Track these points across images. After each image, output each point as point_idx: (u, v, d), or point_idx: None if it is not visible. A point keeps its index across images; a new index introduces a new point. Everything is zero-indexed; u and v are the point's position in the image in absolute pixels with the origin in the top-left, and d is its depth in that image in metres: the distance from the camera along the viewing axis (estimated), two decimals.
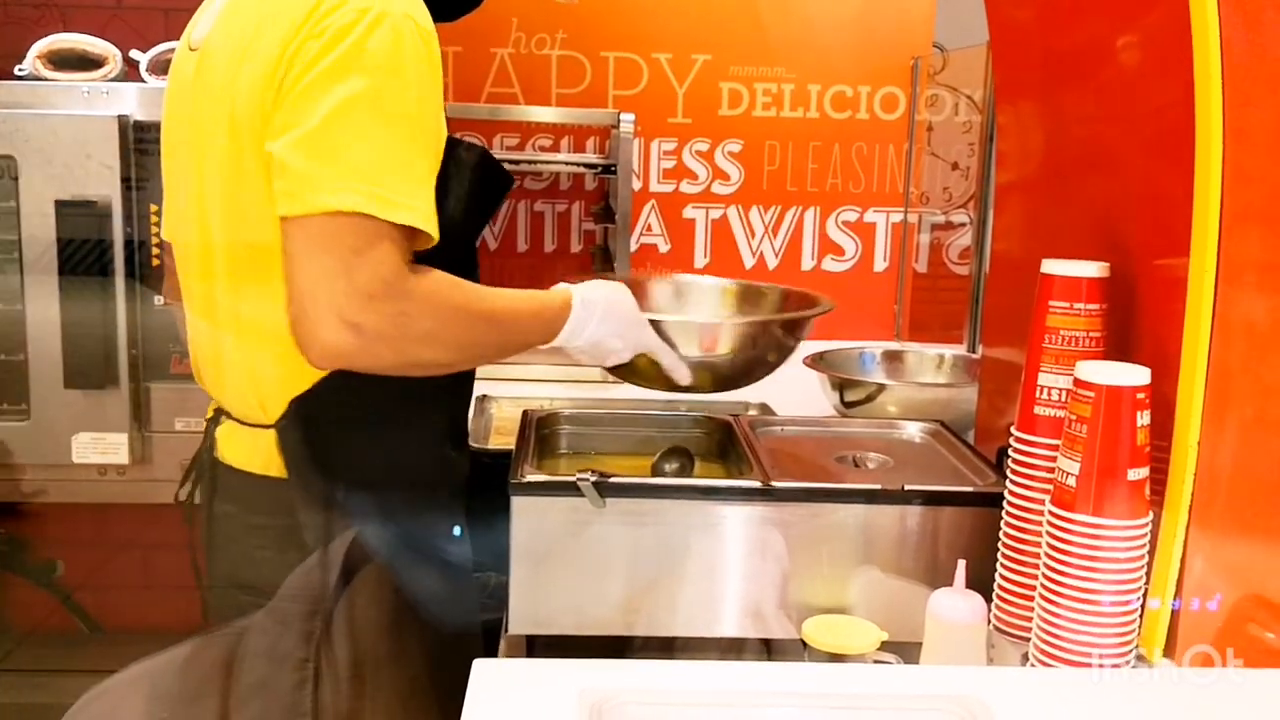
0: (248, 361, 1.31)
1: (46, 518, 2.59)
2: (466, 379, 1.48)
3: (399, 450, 1.36)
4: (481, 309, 1.29)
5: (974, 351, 2.35)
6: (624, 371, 1.53)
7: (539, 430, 1.61)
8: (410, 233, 1.20)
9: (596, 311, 1.40)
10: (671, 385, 1.52)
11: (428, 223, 1.21)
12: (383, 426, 1.33)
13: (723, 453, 1.63)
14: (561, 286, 1.42)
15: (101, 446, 2.15)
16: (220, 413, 1.39)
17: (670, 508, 1.35)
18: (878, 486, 1.38)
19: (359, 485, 1.32)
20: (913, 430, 1.68)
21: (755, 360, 1.57)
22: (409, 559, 1.35)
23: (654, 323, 1.48)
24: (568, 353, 1.43)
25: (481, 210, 1.40)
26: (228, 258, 1.30)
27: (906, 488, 1.37)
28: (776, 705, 1.02)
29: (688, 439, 1.65)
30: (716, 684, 1.05)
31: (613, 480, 1.33)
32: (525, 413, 1.66)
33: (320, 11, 1.17)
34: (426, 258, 1.25)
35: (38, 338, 2.14)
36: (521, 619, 1.35)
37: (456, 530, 1.42)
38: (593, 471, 1.32)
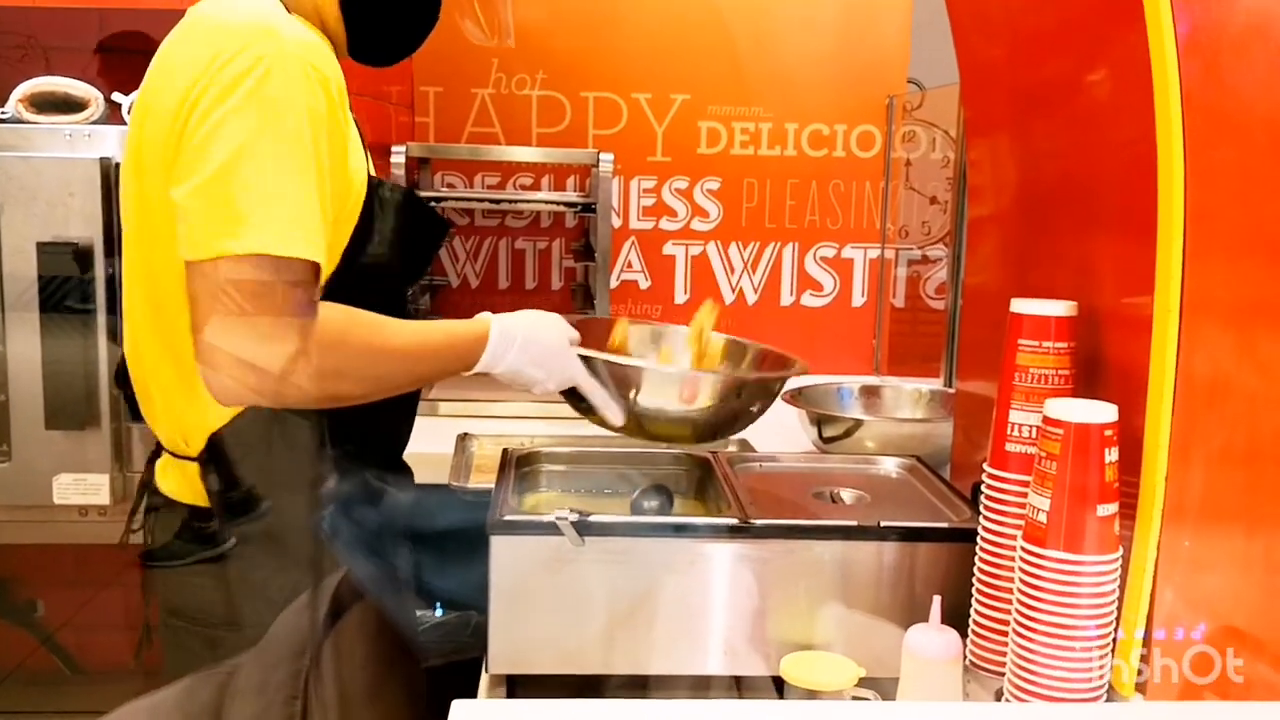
0: (168, 397, 1.36)
1: (27, 558, 2.57)
2: (397, 408, 1.47)
3: (318, 482, 1.38)
4: (387, 343, 1.32)
5: (950, 386, 2.36)
6: (582, 409, 1.54)
7: (519, 468, 1.62)
8: (313, 271, 1.23)
9: (515, 341, 1.42)
10: (607, 425, 1.53)
11: (322, 258, 1.24)
12: (301, 459, 1.36)
13: (702, 490, 1.64)
14: (483, 315, 1.44)
15: (83, 487, 2.15)
16: (159, 445, 1.44)
17: (649, 546, 1.35)
18: (854, 523, 1.39)
19: (280, 516, 1.34)
20: (889, 465, 1.70)
21: (701, 416, 1.52)
22: (340, 591, 1.38)
23: (586, 360, 1.48)
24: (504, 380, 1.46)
25: (410, 253, 1.44)
26: (145, 299, 1.35)
27: (883, 524, 1.38)
28: None
29: (667, 476, 1.66)
30: None
31: (592, 519, 1.34)
32: (505, 451, 1.67)
33: (219, 62, 1.21)
34: (352, 300, 1.29)
35: (18, 378, 2.14)
36: (501, 658, 1.35)
37: (389, 559, 1.44)
38: (572, 510, 1.33)
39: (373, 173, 1.43)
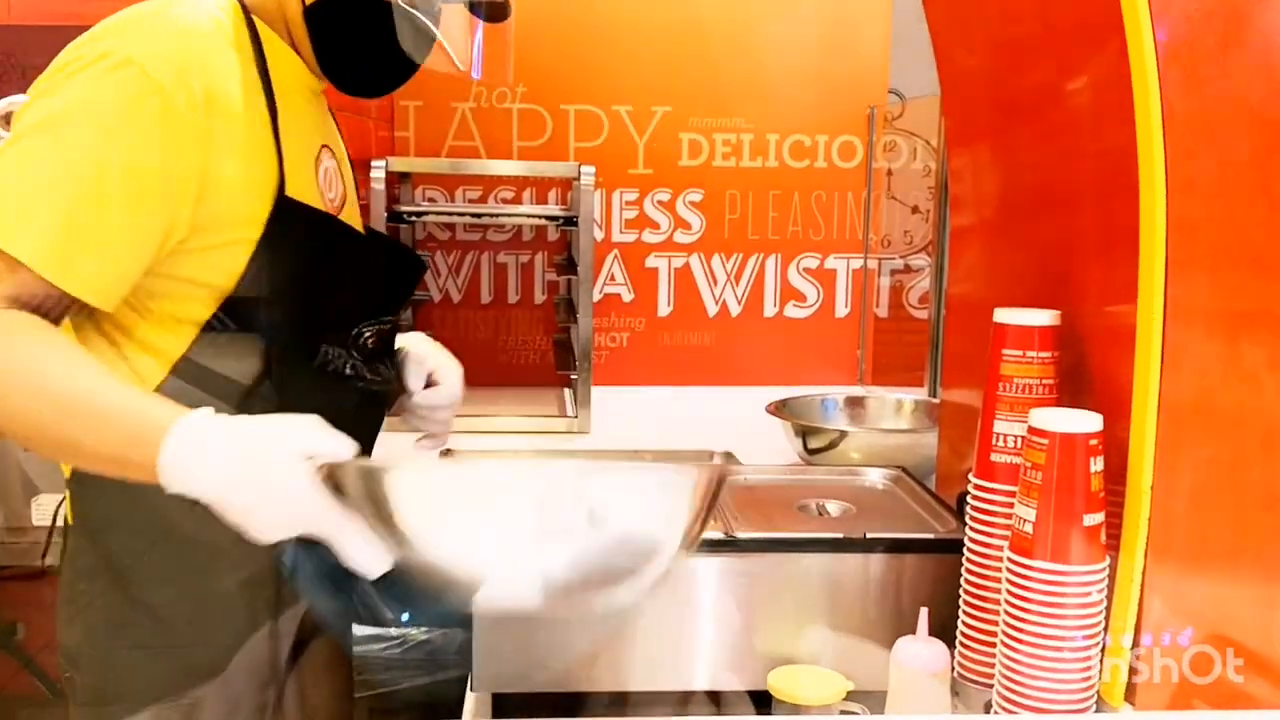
0: None
1: (7, 581, 2.55)
2: (352, 422, 1.16)
3: (158, 513, 1.14)
4: (42, 376, 1.03)
5: (935, 396, 2.36)
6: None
7: None
8: (41, 286, 1.07)
9: (211, 454, 0.98)
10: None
11: (50, 268, 1.06)
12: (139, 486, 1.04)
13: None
14: (181, 413, 1.00)
15: (62, 509, 2.14)
16: None
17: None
18: (840, 535, 1.39)
19: (124, 540, 1.21)
20: (875, 477, 1.69)
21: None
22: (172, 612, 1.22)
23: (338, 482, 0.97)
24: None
25: (348, 287, 1.28)
26: None
27: (868, 535, 1.38)
28: None
29: None
30: None
31: None
32: None
33: (64, 52, 1.12)
34: (267, 332, 1.18)
35: None
36: (486, 677, 1.34)
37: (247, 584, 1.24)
38: None
39: (338, 195, 1.33)
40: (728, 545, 1.36)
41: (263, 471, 0.96)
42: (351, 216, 1.38)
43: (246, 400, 1.18)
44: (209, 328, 1.17)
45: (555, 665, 1.35)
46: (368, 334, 1.30)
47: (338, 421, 1.01)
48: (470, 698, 1.37)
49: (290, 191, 1.20)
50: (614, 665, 1.35)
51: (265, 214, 1.17)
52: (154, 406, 1.02)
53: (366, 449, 1.31)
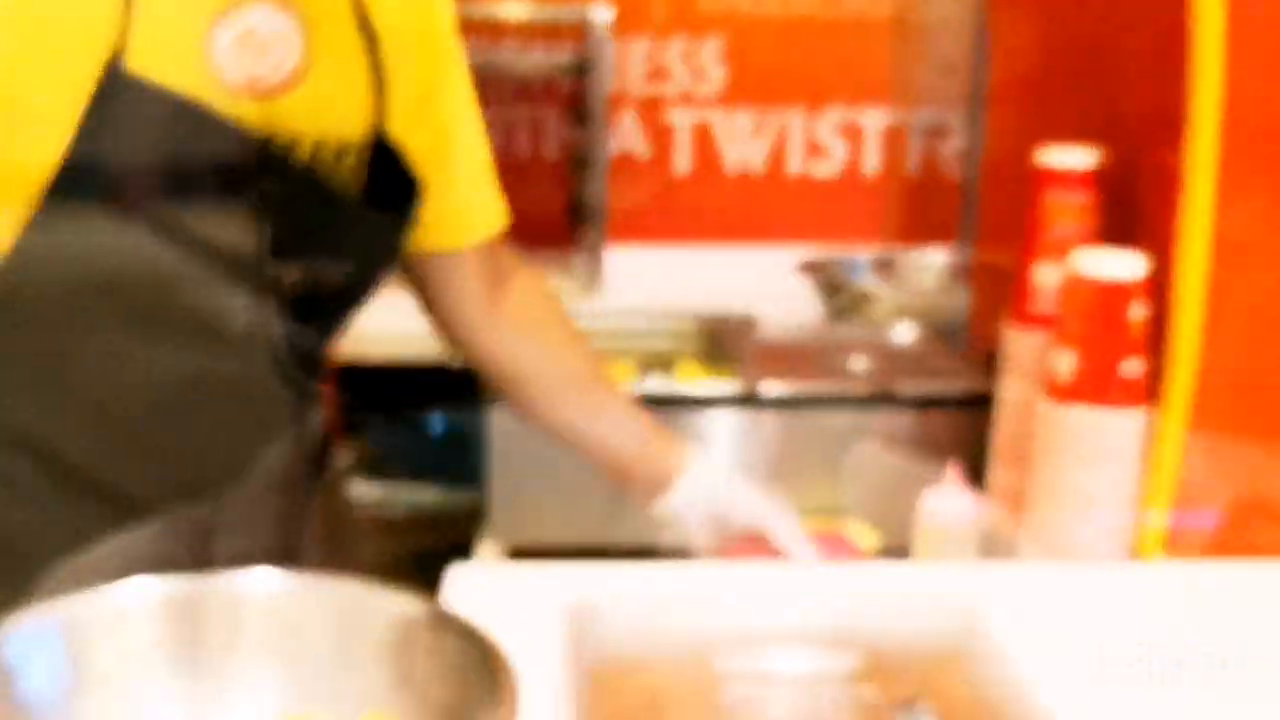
0: None
1: None
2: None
3: None
4: None
5: (965, 255, 2.30)
6: None
7: None
8: None
9: None
10: None
11: None
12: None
13: (710, 360, 1.59)
14: None
15: None
16: None
17: (656, 415, 1.31)
18: (869, 390, 1.35)
19: None
20: (903, 335, 1.65)
21: None
22: None
23: None
24: None
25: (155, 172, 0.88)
26: None
27: (897, 391, 1.34)
28: (769, 604, 0.99)
29: (673, 347, 1.62)
30: (702, 585, 1.02)
31: None
32: None
33: None
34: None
35: None
36: (502, 530, 1.32)
37: None
38: None
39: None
40: (753, 401, 1.32)
41: None
42: (313, 99, 0.93)
43: None
44: None
45: (573, 520, 1.33)
46: None
47: None
48: (483, 548, 1.34)
49: (133, 64, 0.84)
50: (631, 521, 1.33)
51: (83, 81, 0.82)
52: None
53: None
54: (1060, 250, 1.14)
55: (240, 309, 0.90)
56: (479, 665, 0.62)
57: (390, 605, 0.69)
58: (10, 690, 0.63)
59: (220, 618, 0.69)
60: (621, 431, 1.11)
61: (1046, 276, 1.16)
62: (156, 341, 0.88)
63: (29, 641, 0.64)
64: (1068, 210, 1.15)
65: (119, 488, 0.90)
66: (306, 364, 0.98)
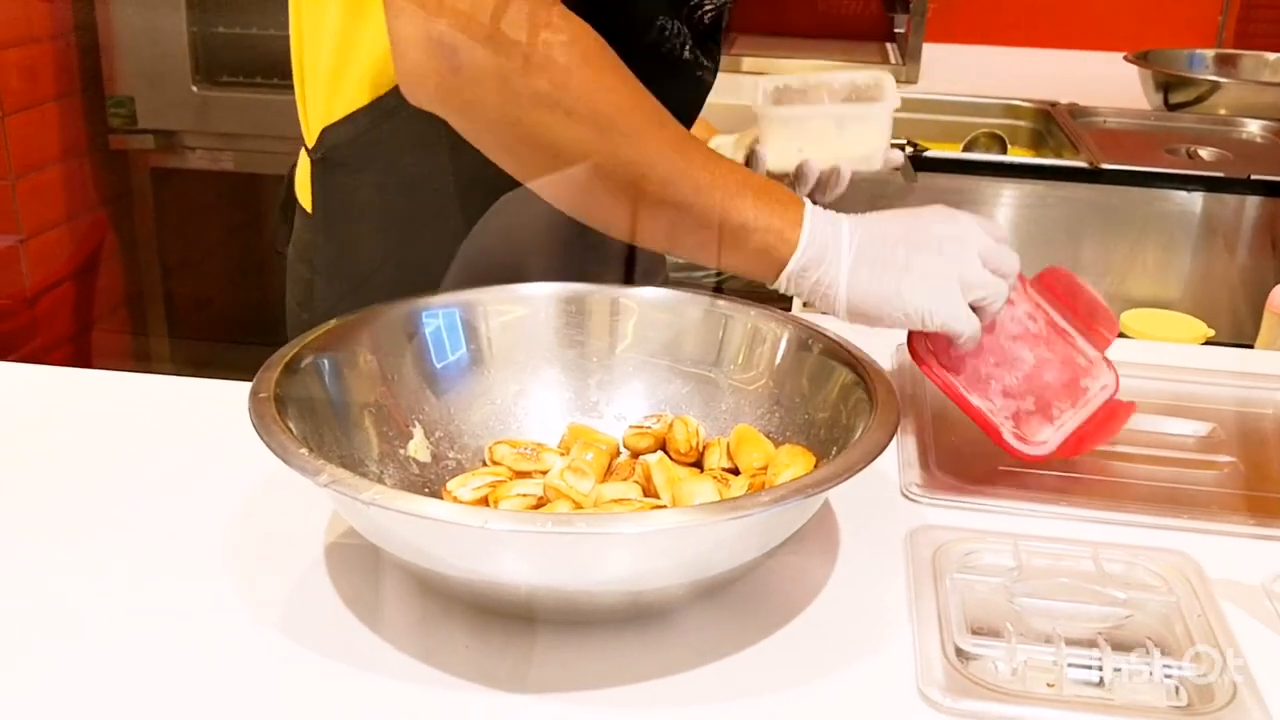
0: (300, 75, 1.01)
1: None
2: None
3: (408, 226, 0.96)
4: (658, 109, 0.78)
5: None
6: None
7: None
8: None
9: (845, 235, 0.76)
10: None
11: None
12: (401, 191, 0.95)
13: (1038, 142, 1.53)
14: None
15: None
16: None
17: (987, 186, 1.28)
18: (1220, 174, 1.27)
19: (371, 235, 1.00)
20: (1253, 128, 1.54)
21: None
22: None
23: None
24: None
25: None
26: None
27: (1253, 176, 1.25)
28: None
29: (1000, 126, 1.55)
30: None
31: (927, 155, 1.27)
32: None
33: None
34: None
35: None
36: None
37: None
38: (908, 142, 1.26)
39: None
40: (1091, 175, 1.26)
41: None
42: None
43: None
44: None
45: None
46: (707, 6, 1.00)
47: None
48: None
49: None
50: None
51: None
52: (774, 185, 0.79)
53: None
54: None
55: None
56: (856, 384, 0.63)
57: (762, 321, 0.70)
58: (423, 360, 0.68)
59: (603, 318, 0.73)
60: None
61: None
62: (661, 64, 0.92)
63: (440, 320, 0.70)
64: None
65: None
66: None
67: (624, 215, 0.79)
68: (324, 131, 0.96)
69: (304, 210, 1.00)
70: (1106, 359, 0.78)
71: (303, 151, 1.00)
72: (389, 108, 0.91)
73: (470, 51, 0.76)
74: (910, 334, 0.72)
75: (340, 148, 0.95)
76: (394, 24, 0.79)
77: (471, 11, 0.76)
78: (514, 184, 0.81)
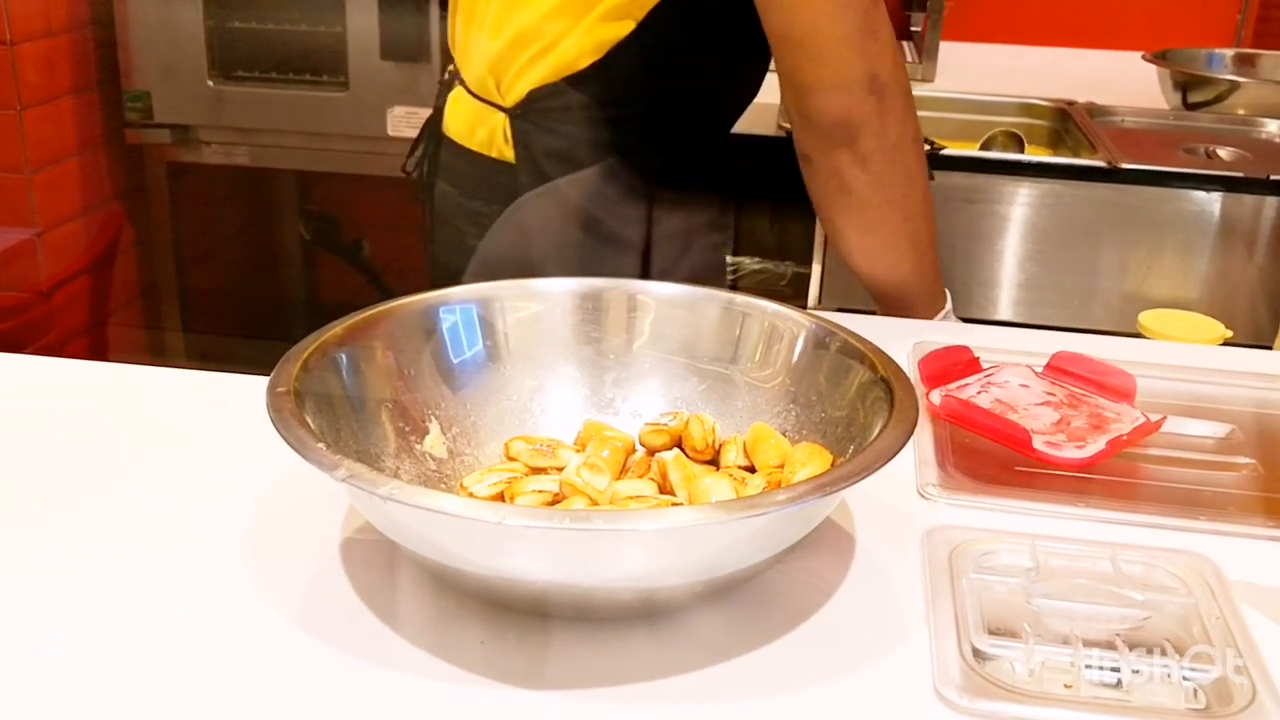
0: (502, 36, 1.07)
1: (359, 193, 2.68)
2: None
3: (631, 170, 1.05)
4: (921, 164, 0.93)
5: None
6: None
7: None
8: None
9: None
10: None
11: None
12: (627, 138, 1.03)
13: (1056, 141, 1.52)
14: None
15: (415, 120, 2.20)
16: (455, 77, 1.15)
17: (1004, 185, 1.27)
18: (1239, 174, 1.26)
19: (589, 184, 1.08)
20: (1272, 128, 1.53)
21: None
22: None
23: None
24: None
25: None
26: None
27: (1272, 177, 1.25)
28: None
29: (1017, 125, 1.55)
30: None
31: (944, 154, 1.26)
32: None
33: None
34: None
35: (356, 7, 2.17)
36: (830, 298, 1.32)
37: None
38: (925, 141, 1.25)
39: None
40: (1109, 174, 1.26)
41: None
42: None
43: None
44: None
45: None
46: None
47: None
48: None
49: None
50: (963, 292, 1.31)
51: None
52: None
53: None
54: None
55: None
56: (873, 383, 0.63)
57: (780, 319, 0.70)
58: (440, 356, 0.68)
59: (620, 315, 0.73)
60: None
61: None
62: None
63: (457, 316, 0.70)
64: None
65: None
66: None
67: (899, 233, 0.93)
68: (533, 93, 1.05)
69: (485, 159, 1.09)
70: (1132, 405, 0.78)
71: (461, 99, 1.11)
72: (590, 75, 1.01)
73: (896, 91, 0.86)
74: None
75: (555, 105, 1.05)
76: (827, 69, 0.86)
77: (894, 53, 0.85)
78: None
